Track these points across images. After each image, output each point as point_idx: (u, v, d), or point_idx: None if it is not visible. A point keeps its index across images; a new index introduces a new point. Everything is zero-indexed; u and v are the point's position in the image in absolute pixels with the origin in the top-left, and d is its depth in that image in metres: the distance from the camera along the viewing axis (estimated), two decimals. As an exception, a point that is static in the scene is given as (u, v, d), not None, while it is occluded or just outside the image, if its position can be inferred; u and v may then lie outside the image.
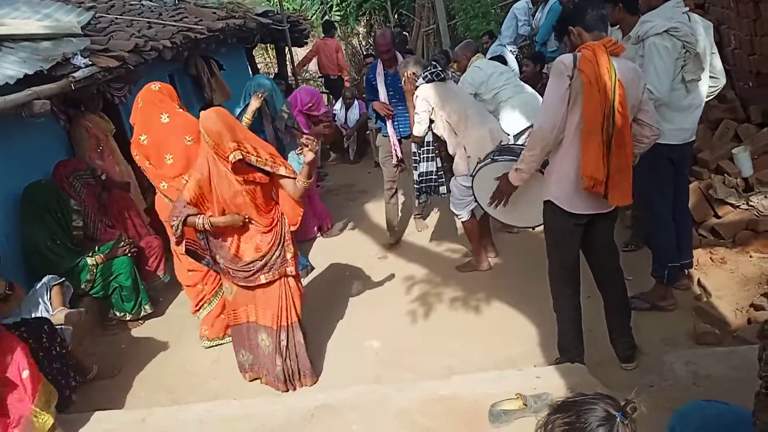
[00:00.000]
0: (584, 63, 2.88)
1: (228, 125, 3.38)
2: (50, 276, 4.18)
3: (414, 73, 4.75)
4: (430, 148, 4.79)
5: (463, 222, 4.78)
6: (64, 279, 4.23)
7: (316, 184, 6.88)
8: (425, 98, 4.55)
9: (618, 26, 3.95)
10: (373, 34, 12.63)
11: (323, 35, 11.28)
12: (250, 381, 3.92)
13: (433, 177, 4.89)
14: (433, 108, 4.56)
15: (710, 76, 3.75)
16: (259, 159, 3.43)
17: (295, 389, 3.79)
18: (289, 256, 3.64)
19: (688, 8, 3.64)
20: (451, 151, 4.67)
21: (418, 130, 4.69)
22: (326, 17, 16.53)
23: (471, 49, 5.57)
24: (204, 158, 3.47)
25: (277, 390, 3.78)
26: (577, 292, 3.35)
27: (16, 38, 4.90)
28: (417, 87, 4.66)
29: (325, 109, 6.30)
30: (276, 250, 3.59)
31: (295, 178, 3.56)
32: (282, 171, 3.53)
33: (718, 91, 3.93)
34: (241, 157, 3.35)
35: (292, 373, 3.78)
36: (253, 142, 3.48)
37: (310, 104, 6.03)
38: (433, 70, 4.63)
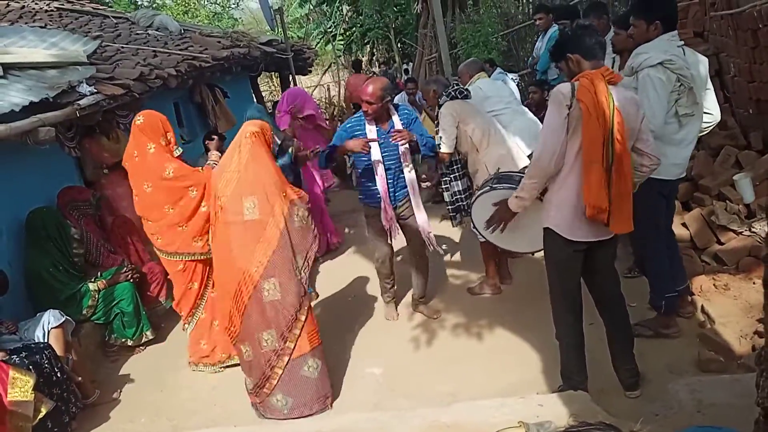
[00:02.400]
0: (582, 92, 2.90)
1: None
2: (52, 313, 4.04)
3: (435, 91, 4.78)
4: (459, 165, 4.73)
5: (482, 242, 4.67)
6: (65, 318, 4.08)
7: (326, 201, 6.93)
8: (451, 113, 4.52)
9: (617, 54, 3.99)
10: (370, 65, 12.79)
11: (353, 71, 12.50)
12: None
13: (463, 196, 4.75)
14: (458, 124, 4.54)
15: (704, 112, 3.70)
16: None
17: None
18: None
19: (683, 42, 3.64)
20: (471, 169, 4.66)
21: (447, 146, 4.58)
22: (330, 45, 16.79)
23: (474, 68, 5.37)
24: None
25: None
26: (580, 319, 3.33)
27: (23, 66, 4.98)
28: (440, 105, 4.64)
29: (310, 111, 6.26)
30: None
31: None
32: None
33: (711, 127, 3.88)
34: None
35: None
36: None
37: (293, 104, 6.04)
38: (456, 88, 4.65)
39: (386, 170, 4.31)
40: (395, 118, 4.34)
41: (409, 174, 4.38)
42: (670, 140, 3.57)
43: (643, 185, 3.24)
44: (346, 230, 7.16)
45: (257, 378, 3.65)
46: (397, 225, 4.48)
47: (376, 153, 4.27)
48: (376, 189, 4.35)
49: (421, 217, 4.42)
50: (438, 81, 4.94)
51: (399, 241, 4.64)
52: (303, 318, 3.61)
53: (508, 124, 5.00)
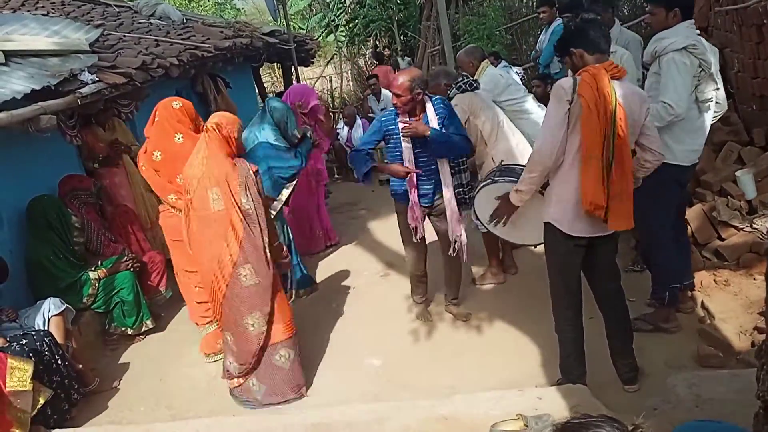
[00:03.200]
0: (584, 87, 2.89)
1: None
2: (53, 301, 4.06)
3: (447, 84, 4.71)
4: (462, 158, 4.67)
5: (483, 233, 4.66)
6: (65, 306, 4.09)
7: (327, 194, 6.92)
8: (462, 107, 4.48)
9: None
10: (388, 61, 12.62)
11: (377, 64, 12.49)
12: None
13: (465, 189, 4.47)
14: (468, 117, 4.51)
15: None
16: None
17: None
18: None
19: (699, 31, 3.65)
20: (478, 161, 4.64)
21: None
22: (332, 36, 16.73)
23: (479, 55, 5.10)
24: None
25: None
26: (579, 313, 3.33)
27: (25, 54, 4.97)
28: (450, 97, 4.58)
29: (314, 103, 6.26)
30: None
31: None
32: None
33: (719, 117, 3.93)
34: None
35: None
36: None
37: (300, 102, 6.05)
38: (465, 80, 4.59)
39: (418, 167, 4.06)
40: (430, 112, 4.06)
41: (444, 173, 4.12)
42: (691, 126, 3.58)
43: (659, 172, 3.23)
44: (349, 220, 7.16)
45: (245, 361, 3.71)
46: (422, 225, 4.25)
47: (407, 151, 4.05)
48: (406, 186, 4.17)
49: (451, 218, 4.19)
50: (447, 73, 4.84)
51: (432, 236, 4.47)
52: (276, 305, 3.70)
53: (533, 110, 5.02)
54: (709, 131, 4.27)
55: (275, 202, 4.60)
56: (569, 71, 3.22)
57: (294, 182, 4.84)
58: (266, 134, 4.89)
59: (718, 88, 3.65)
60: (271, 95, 8.52)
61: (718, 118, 3.91)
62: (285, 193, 4.79)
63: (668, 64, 3.45)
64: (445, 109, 4.10)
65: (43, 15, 7.09)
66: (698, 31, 3.63)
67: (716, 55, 3.72)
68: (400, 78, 4.00)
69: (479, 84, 4.69)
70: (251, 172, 3.61)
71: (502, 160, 4.18)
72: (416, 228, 4.23)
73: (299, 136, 5.05)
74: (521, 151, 4.50)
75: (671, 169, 3.49)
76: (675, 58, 3.43)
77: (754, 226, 4.37)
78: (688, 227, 4.69)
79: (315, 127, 6.05)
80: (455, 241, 4.26)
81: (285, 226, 5.02)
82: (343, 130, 9.39)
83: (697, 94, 3.54)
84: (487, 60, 5.18)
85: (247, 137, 4.82)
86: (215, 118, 3.74)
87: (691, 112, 3.55)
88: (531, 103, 5.11)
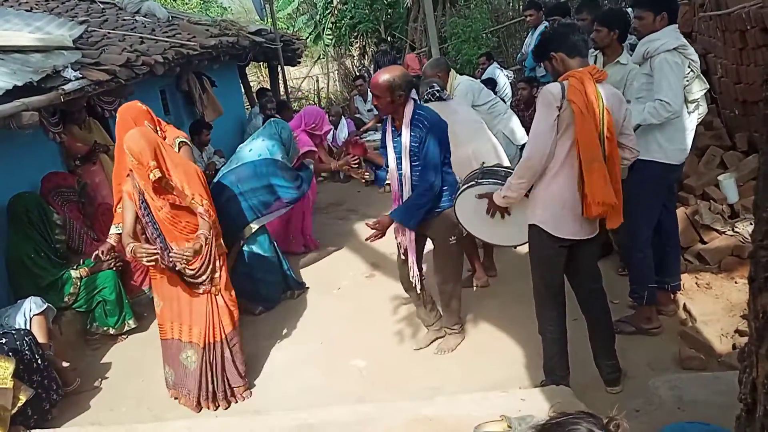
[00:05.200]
0: (574, 93, 2.91)
1: (151, 144, 3.44)
2: (33, 300, 4.03)
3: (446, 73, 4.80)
4: None
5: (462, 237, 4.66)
6: (47, 305, 4.07)
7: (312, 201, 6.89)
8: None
9: (599, 50, 4.02)
10: (367, 55, 12.57)
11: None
12: (173, 399, 3.93)
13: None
14: None
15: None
16: (176, 181, 3.55)
17: (216, 409, 3.80)
18: (217, 275, 3.72)
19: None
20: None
21: None
22: (319, 37, 16.71)
23: (443, 67, 5.13)
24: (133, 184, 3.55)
25: (194, 410, 3.79)
26: (563, 315, 3.35)
27: (7, 50, 4.90)
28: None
29: (328, 127, 6.30)
30: (203, 270, 3.65)
31: (207, 219, 3.63)
32: (199, 209, 3.61)
33: (701, 118, 3.98)
34: (160, 175, 3.44)
35: (215, 393, 3.80)
36: (178, 167, 3.58)
37: (314, 124, 6.05)
38: (430, 90, 4.60)
39: (400, 179, 3.70)
40: (404, 138, 3.57)
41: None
42: (681, 125, 3.63)
43: (648, 172, 3.27)
44: (334, 221, 7.14)
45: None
46: (408, 241, 3.85)
47: (391, 159, 3.75)
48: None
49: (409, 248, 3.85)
50: (425, 84, 4.74)
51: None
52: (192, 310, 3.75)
53: (504, 111, 5.32)
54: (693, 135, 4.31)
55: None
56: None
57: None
58: (278, 153, 4.87)
59: (706, 89, 3.71)
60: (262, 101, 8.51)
61: (700, 118, 3.96)
62: (253, 226, 4.80)
63: (661, 63, 3.50)
64: (423, 132, 3.56)
65: (27, 11, 7.01)
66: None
67: (698, 58, 3.78)
68: (380, 77, 3.54)
69: (448, 95, 4.70)
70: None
71: (483, 162, 4.18)
72: (399, 244, 3.94)
73: (294, 159, 5.06)
74: (477, 159, 4.38)
75: (661, 167, 3.55)
76: (667, 57, 3.49)
77: (736, 229, 4.41)
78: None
79: (318, 146, 6.09)
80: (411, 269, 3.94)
81: (271, 240, 5.05)
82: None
83: (686, 94, 3.60)
84: (451, 71, 5.28)
85: (260, 150, 4.84)
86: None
87: (681, 112, 3.60)
88: (502, 105, 5.40)
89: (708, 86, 3.73)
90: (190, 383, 3.78)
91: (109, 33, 6.83)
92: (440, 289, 4.07)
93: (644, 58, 3.60)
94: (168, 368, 3.93)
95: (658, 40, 3.54)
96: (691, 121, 3.70)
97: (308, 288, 5.34)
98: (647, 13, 3.60)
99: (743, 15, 4.84)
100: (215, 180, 4.89)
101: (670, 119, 3.50)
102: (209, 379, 3.75)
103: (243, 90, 10.73)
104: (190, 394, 3.80)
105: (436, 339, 4.22)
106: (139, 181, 3.51)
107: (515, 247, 4.13)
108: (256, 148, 4.86)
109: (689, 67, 3.54)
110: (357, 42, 16.49)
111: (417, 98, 3.91)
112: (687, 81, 3.57)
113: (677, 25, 3.65)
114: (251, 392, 3.93)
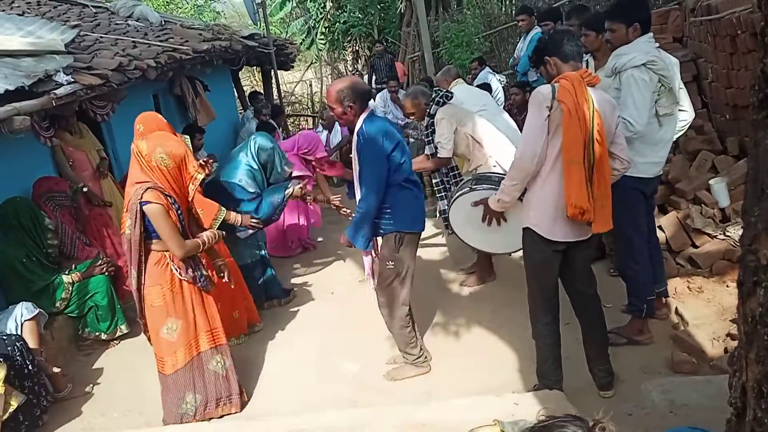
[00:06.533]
0: (563, 94, 2.93)
1: (187, 150, 3.51)
2: (25, 305, 3.99)
3: (425, 103, 4.71)
4: (456, 172, 4.67)
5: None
6: (38, 311, 4.03)
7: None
8: (448, 119, 4.50)
9: (590, 55, 4.02)
10: (360, 60, 12.56)
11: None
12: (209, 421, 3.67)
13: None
14: (456, 127, 4.52)
15: (679, 110, 3.78)
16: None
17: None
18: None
19: (658, 44, 3.70)
20: (474, 165, 4.59)
21: (447, 151, 4.52)
22: (312, 41, 16.72)
23: (452, 75, 5.71)
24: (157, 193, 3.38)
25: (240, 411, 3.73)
26: (556, 319, 3.35)
27: (-1, 54, 4.88)
28: (430, 113, 4.64)
29: (322, 154, 6.30)
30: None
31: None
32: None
33: (687, 125, 3.98)
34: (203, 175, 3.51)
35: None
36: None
37: (307, 149, 6.06)
38: (440, 93, 4.64)
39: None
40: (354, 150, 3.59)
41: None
42: (650, 140, 3.62)
43: (622, 185, 3.27)
44: (327, 225, 7.13)
45: None
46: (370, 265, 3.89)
47: (355, 172, 3.68)
48: None
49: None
50: (423, 93, 4.84)
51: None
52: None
53: (491, 121, 5.08)
54: (684, 140, 4.34)
55: None
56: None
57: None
58: (241, 174, 4.73)
59: (677, 102, 3.68)
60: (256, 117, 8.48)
61: (686, 126, 3.96)
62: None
63: (628, 80, 3.47)
64: (359, 145, 3.54)
65: (19, 15, 6.98)
66: (657, 44, 3.66)
67: (677, 65, 3.77)
68: (331, 87, 3.59)
69: (452, 94, 4.76)
70: (139, 201, 3.34)
71: (476, 169, 4.19)
72: (369, 266, 3.91)
73: (290, 171, 5.00)
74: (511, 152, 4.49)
75: (634, 181, 3.55)
76: (634, 74, 3.45)
77: (728, 233, 4.43)
78: (663, 234, 4.75)
79: (313, 171, 6.11)
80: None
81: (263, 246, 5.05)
82: (322, 134, 9.37)
83: (657, 108, 3.57)
84: (458, 79, 5.65)
85: (236, 161, 4.81)
86: (155, 147, 3.44)
87: (650, 127, 3.57)
88: (488, 115, 5.24)
89: (679, 99, 3.69)
90: (231, 385, 3.71)
91: (101, 37, 6.82)
92: (380, 311, 3.90)
93: (614, 72, 3.58)
94: (190, 397, 3.61)
95: (626, 55, 3.51)
96: (665, 133, 3.67)
97: (296, 296, 5.31)
98: (619, 25, 3.59)
99: (734, 20, 4.88)
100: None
101: (632, 138, 3.46)
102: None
103: (236, 94, 10.71)
104: (231, 397, 3.71)
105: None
106: (173, 184, 3.45)
107: (509, 254, 4.14)
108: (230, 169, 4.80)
109: (659, 81, 3.50)
110: (350, 46, 16.50)
111: (373, 109, 3.82)
112: (658, 95, 3.54)
113: (651, 35, 3.62)
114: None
